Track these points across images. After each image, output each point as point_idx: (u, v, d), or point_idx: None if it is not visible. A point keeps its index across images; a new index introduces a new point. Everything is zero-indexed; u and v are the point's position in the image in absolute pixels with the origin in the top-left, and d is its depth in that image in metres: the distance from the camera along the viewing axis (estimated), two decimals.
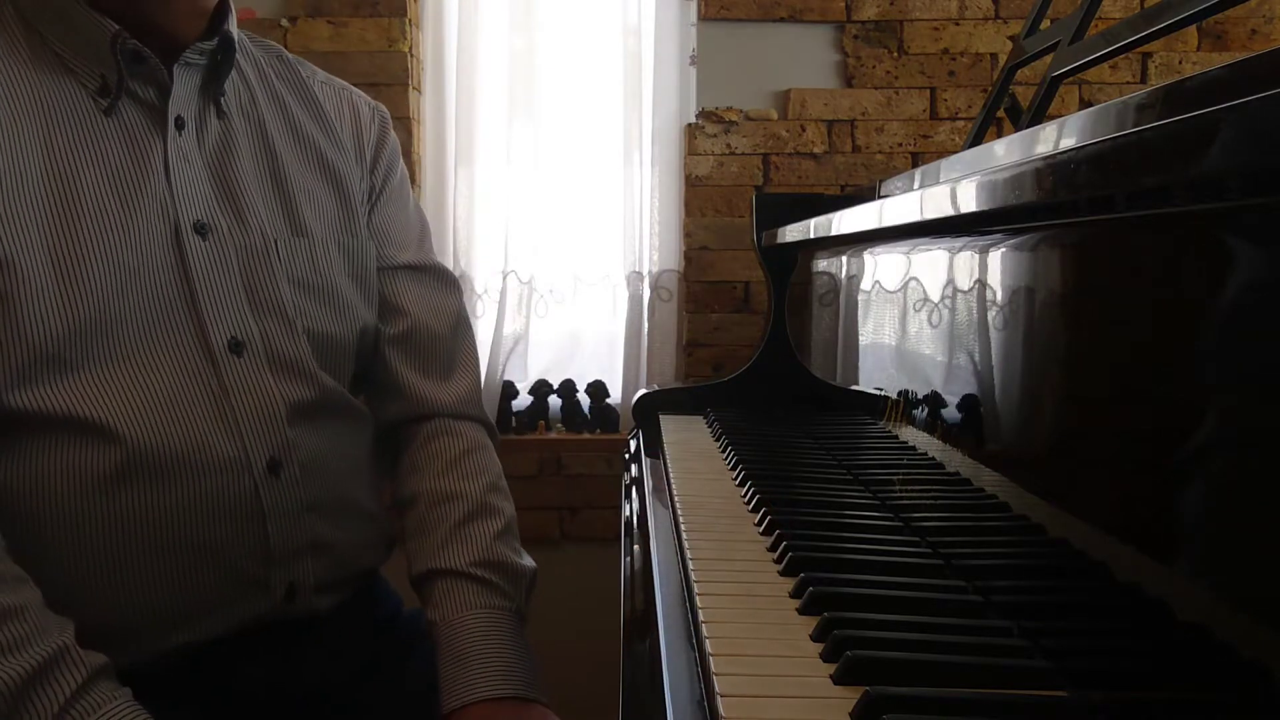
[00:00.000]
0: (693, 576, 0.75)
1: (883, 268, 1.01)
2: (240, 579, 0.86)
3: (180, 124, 0.87)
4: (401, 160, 1.09)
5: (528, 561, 0.99)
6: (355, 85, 1.08)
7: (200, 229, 0.86)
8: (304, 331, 0.92)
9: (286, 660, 0.91)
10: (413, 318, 1.04)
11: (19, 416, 0.78)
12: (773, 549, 0.81)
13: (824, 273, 1.31)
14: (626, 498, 1.13)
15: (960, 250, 0.77)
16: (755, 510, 0.93)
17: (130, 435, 0.80)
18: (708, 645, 0.62)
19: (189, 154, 0.88)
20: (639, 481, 1.13)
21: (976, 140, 1.22)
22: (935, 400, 0.83)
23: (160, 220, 0.85)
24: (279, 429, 0.87)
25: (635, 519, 1.02)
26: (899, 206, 0.89)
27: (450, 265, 1.74)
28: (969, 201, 0.68)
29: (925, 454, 0.86)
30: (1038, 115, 0.97)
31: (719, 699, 0.55)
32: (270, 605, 0.88)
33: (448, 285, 1.09)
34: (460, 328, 1.08)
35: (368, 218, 1.02)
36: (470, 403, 1.06)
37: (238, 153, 0.91)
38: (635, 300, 1.91)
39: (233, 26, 0.90)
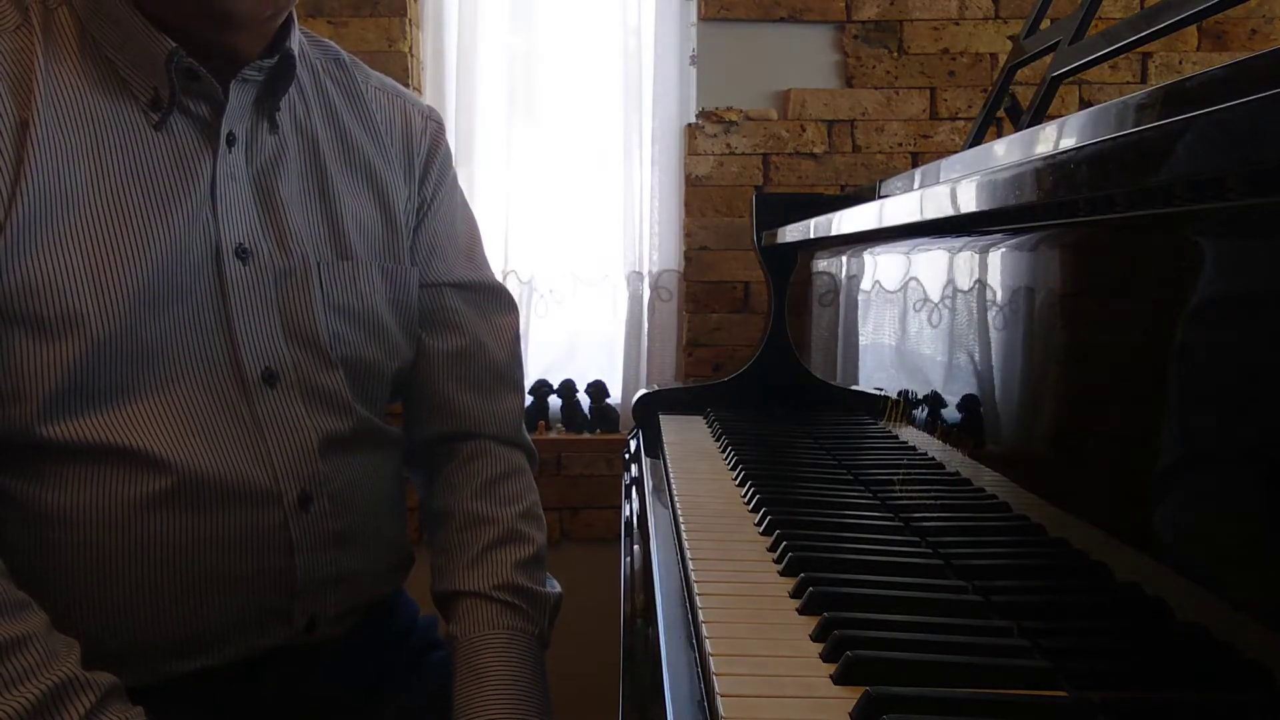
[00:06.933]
0: (693, 576, 0.75)
1: (883, 268, 1.01)
2: (263, 610, 0.85)
3: (231, 140, 0.85)
4: (453, 169, 1.07)
5: (552, 589, 0.98)
6: None
7: (241, 253, 0.84)
8: (340, 360, 0.90)
9: (299, 679, 0.91)
10: (470, 337, 1.02)
11: (51, 442, 0.76)
12: (773, 549, 0.81)
13: (824, 273, 1.31)
14: (626, 498, 1.14)
15: (960, 250, 0.77)
16: (755, 510, 0.93)
17: (171, 463, 0.79)
18: (708, 645, 0.62)
19: (236, 172, 0.85)
20: (639, 481, 1.13)
21: (976, 140, 1.22)
22: (935, 400, 0.83)
23: (203, 243, 0.83)
24: (310, 462, 0.86)
25: (635, 519, 1.02)
26: (899, 206, 0.89)
27: None
28: (969, 201, 0.68)
29: (925, 454, 0.86)
30: (1038, 115, 0.97)
31: (719, 699, 0.55)
32: (290, 635, 0.87)
33: (506, 305, 1.07)
34: (516, 350, 1.07)
35: (413, 236, 1.00)
36: (515, 427, 1.05)
37: (286, 170, 0.89)
38: (635, 300, 1.91)
39: (294, 42, 0.87)
